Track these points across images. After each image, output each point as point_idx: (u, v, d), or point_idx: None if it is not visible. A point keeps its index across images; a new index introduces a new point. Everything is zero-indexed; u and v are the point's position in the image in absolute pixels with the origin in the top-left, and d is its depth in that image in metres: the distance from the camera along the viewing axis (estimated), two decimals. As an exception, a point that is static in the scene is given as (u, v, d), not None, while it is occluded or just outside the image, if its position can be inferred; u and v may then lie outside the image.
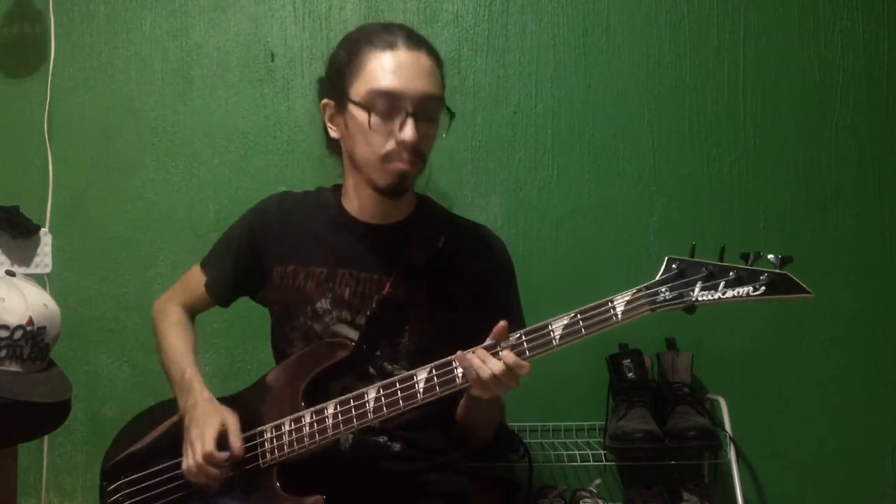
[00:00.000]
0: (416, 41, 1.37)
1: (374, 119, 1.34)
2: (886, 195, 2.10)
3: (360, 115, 1.36)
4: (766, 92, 2.10)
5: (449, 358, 1.29)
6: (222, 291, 1.60)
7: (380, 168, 1.37)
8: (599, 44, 2.11)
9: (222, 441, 1.35)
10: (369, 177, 1.39)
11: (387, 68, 1.34)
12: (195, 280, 1.61)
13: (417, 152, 1.36)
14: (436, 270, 1.45)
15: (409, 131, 1.32)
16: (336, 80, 1.41)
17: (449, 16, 2.12)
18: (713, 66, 2.11)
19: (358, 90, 1.36)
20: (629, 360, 1.94)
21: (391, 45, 1.35)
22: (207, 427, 1.36)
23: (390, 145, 1.34)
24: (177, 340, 1.56)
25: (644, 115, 2.10)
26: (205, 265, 1.61)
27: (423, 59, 1.36)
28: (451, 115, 1.41)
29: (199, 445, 1.34)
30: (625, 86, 2.10)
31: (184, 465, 1.37)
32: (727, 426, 1.90)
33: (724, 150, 2.10)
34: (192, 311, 1.64)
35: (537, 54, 2.11)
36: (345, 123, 1.40)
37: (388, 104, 1.34)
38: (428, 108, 1.35)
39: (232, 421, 1.38)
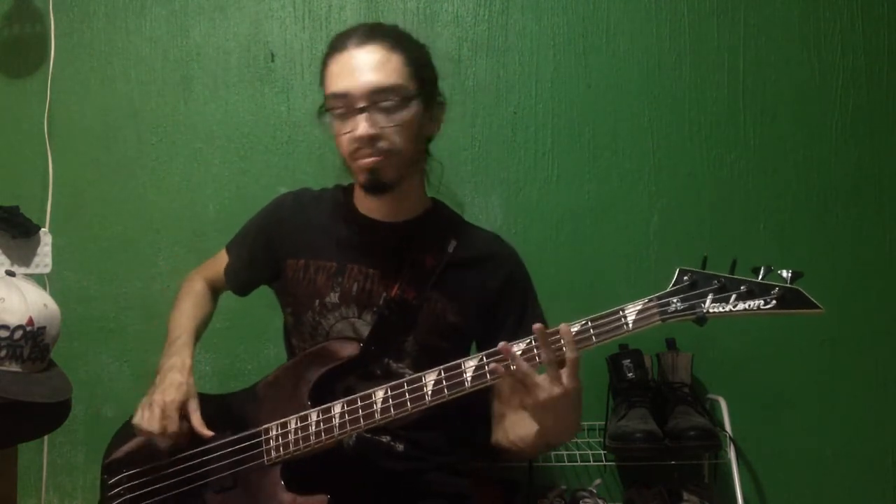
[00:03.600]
0: (368, 36, 1.38)
1: (335, 122, 1.38)
2: (886, 195, 2.10)
3: (328, 120, 1.40)
4: (766, 92, 2.10)
5: (457, 361, 1.29)
6: (237, 279, 1.64)
7: (353, 167, 1.41)
8: (599, 44, 2.11)
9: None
10: (354, 176, 1.44)
11: (337, 71, 1.38)
12: (220, 260, 1.66)
13: (379, 145, 1.36)
14: (445, 273, 1.45)
15: (359, 126, 1.35)
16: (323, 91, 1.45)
17: (449, 16, 2.12)
18: (713, 66, 2.11)
19: (326, 97, 1.40)
20: (629, 360, 1.94)
21: (343, 48, 1.38)
22: (171, 395, 1.39)
23: (351, 143, 1.37)
24: (188, 306, 1.59)
25: (644, 115, 2.10)
26: (229, 248, 1.66)
27: (371, 53, 1.36)
28: (434, 103, 1.41)
29: (160, 414, 1.38)
30: (625, 86, 2.10)
31: (138, 419, 1.40)
32: (727, 426, 1.90)
33: (724, 150, 2.10)
34: (217, 288, 1.68)
35: (537, 54, 2.11)
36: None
37: (342, 105, 1.37)
38: (379, 100, 1.35)
39: (194, 404, 1.42)
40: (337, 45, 1.39)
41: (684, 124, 2.10)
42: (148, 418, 1.39)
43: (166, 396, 1.39)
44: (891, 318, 2.09)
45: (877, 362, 2.09)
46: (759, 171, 2.10)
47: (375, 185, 1.41)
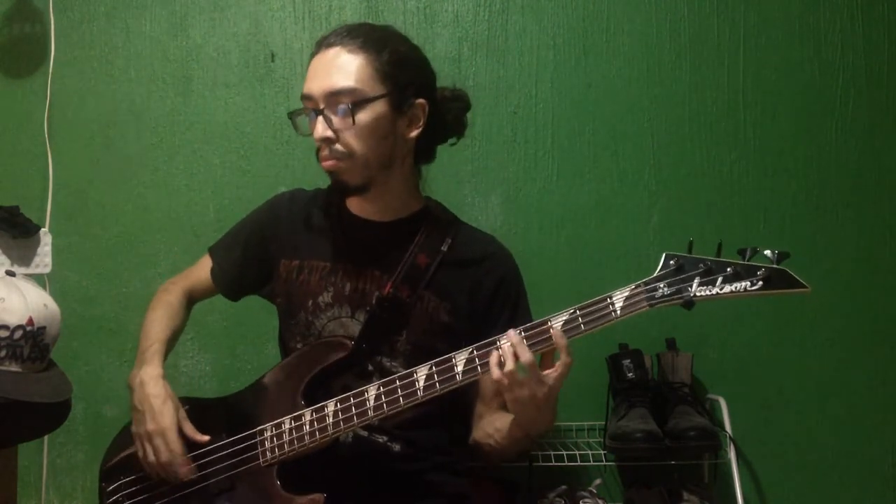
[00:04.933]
0: (339, 37, 1.37)
1: (307, 123, 1.39)
2: (886, 195, 2.10)
3: (300, 120, 1.42)
4: (766, 92, 2.10)
5: (449, 355, 1.29)
6: (227, 281, 1.61)
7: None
8: (599, 44, 2.11)
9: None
10: None
11: (308, 73, 1.39)
12: (202, 264, 1.64)
13: (335, 147, 1.37)
14: (439, 273, 1.45)
15: (315, 128, 1.36)
16: None
17: (449, 16, 2.11)
18: (713, 66, 2.10)
19: None
20: (629, 360, 1.94)
21: (316, 50, 1.40)
22: (166, 418, 1.37)
23: (315, 145, 1.38)
24: (160, 316, 1.56)
25: (644, 115, 2.10)
26: (213, 251, 1.64)
27: (334, 55, 1.36)
28: (412, 104, 1.40)
29: (163, 444, 1.36)
30: (625, 86, 2.10)
31: (146, 457, 1.38)
32: (727, 426, 1.90)
33: (724, 150, 2.10)
34: (193, 296, 1.65)
35: (537, 54, 2.11)
36: None
37: (308, 108, 1.38)
38: (335, 102, 1.35)
39: (182, 413, 1.40)
40: (315, 46, 1.41)
41: (684, 124, 2.10)
42: (155, 451, 1.37)
43: (161, 421, 1.37)
44: (891, 318, 2.09)
45: (877, 362, 2.09)
46: (759, 171, 2.10)
47: (340, 188, 1.42)
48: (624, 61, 2.10)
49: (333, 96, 1.35)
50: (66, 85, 2.10)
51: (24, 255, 1.96)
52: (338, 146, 1.37)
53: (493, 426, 1.45)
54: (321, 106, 1.36)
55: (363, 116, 1.35)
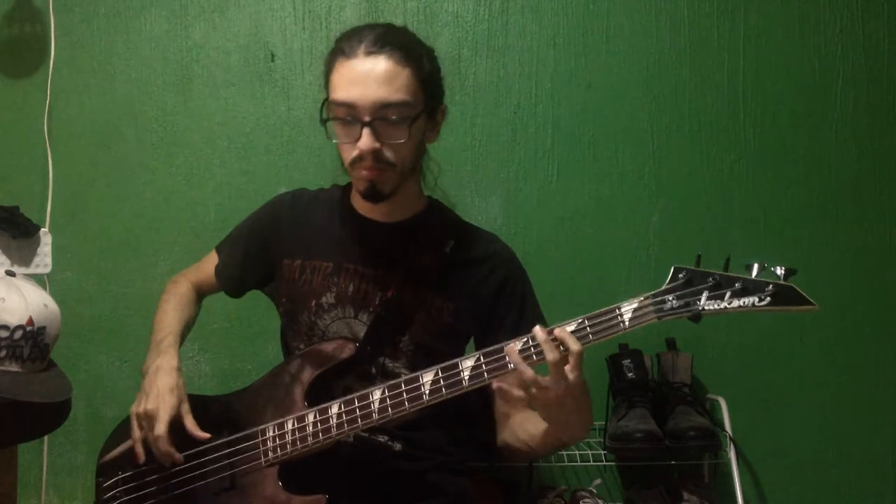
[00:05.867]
0: (377, 45, 1.33)
1: (339, 129, 1.36)
2: (886, 195, 2.10)
3: (330, 125, 1.37)
4: (766, 92, 2.10)
5: (455, 360, 1.29)
6: (230, 279, 1.62)
7: (353, 175, 1.40)
8: (599, 44, 2.11)
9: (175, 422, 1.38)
10: (352, 182, 1.43)
11: (343, 78, 1.34)
12: (209, 261, 1.64)
13: (382, 159, 1.35)
14: (442, 273, 1.45)
15: (363, 140, 1.32)
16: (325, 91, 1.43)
17: (449, 16, 2.11)
18: (713, 66, 2.11)
19: (329, 101, 1.37)
20: (629, 360, 1.94)
21: (350, 54, 1.34)
22: (165, 405, 1.36)
23: (354, 153, 1.35)
24: (172, 308, 1.57)
25: (644, 115, 2.10)
26: (219, 249, 1.64)
27: (379, 65, 1.32)
28: (437, 111, 1.41)
29: (150, 428, 1.36)
30: (625, 86, 2.10)
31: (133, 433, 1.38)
32: (727, 426, 1.91)
33: (724, 150, 2.10)
34: (202, 291, 1.66)
35: (537, 54, 2.11)
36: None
37: (346, 115, 1.34)
38: (386, 115, 1.33)
39: (186, 407, 1.39)
40: (345, 48, 1.35)
41: (684, 124, 2.10)
42: (145, 428, 1.37)
43: (159, 407, 1.37)
44: (891, 318, 2.09)
45: (877, 362, 2.09)
46: (759, 171, 2.10)
47: (374, 195, 1.40)
48: (624, 61, 2.11)
49: (385, 109, 1.32)
50: (66, 85, 2.10)
51: (24, 255, 1.96)
52: (383, 157, 1.35)
53: (525, 432, 1.43)
54: (366, 116, 1.32)
55: (411, 130, 1.34)
